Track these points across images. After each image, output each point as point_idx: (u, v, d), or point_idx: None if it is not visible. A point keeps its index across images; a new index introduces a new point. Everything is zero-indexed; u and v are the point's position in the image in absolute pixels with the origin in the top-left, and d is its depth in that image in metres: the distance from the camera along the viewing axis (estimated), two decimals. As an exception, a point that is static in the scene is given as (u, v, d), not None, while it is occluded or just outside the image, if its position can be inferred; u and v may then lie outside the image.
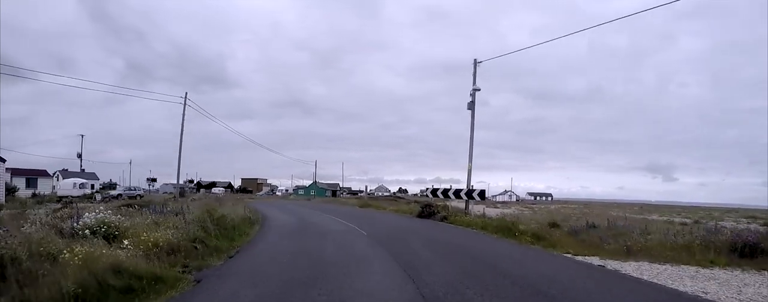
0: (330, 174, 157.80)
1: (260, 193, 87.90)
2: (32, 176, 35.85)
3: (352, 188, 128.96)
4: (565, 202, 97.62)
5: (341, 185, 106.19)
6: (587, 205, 72.73)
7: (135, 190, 45.38)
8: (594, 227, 13.96)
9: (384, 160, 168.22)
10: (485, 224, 15.28)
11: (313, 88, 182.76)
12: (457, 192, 19.64)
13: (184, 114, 33.58)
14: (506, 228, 13.58)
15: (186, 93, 33.03)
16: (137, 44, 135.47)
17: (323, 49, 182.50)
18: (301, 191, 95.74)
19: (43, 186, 36.84)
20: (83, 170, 76.48)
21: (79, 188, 42.76)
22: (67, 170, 70.97)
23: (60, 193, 42.23)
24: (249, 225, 14.11)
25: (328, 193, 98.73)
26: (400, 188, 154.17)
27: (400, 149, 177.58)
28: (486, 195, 18.58)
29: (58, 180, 73.89)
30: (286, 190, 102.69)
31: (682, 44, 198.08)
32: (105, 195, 44.57)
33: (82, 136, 62.32)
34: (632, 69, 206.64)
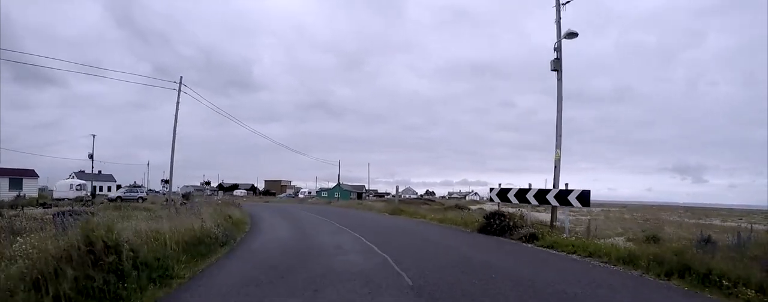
0: (356, 177, 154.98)
1: (281, 195, 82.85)
2: (16, 176, 31.48)
3: (379, 191, 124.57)
4: (601, 205, 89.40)
5: (367, 188, 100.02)
6: (629, 209, 65.45)
7: (136, 192, 40.57)
8: (707, 242, 8.21)
9: (410, 162, 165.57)
10: (607, 250, 8.59)
11: (338, 90, 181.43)
12: (541, 194, 12.81)
13: (178, 102, 28.06)
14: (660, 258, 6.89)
15: (181, 78, 27.49)
16: (164, 49, 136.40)
17: (348, 51, 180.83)
18: (324, 194, 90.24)
19: (29, 188, 32.40)
20: (100, 171, 73.71)
21: (76, 189, 38.46)
22: (83, 171, 68.20)
23: (56, 195, 38.24)
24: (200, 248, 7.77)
25: (353, 195, 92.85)
26: (428, 190, 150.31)
27: (427, 151, 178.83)
28: (590, 199, 11.66)
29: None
30: (309, 192, 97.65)
31: (711, 41, 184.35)
32: (108, 198, 40.30)
33: (94, 136, 58.61)
34: (661, 68, 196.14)
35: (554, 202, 12.55)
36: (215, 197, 34.23)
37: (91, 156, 59.08)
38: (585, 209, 14.25)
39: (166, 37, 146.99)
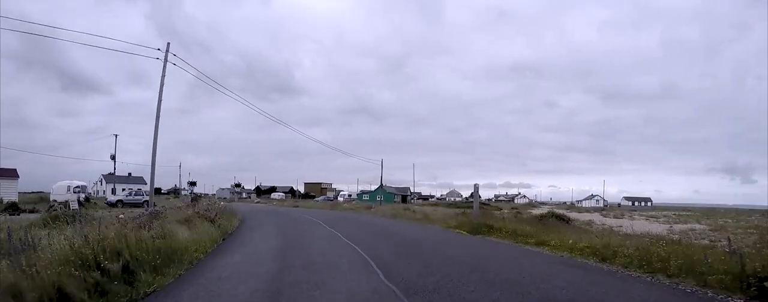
0: (398, 179, 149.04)
1: (318, 199, 75.69)
2: (-9, 176, 25.76)
3: (422, 193, 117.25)
4: (666, 208, 78.32)
5: (412, 190, 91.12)
6: (694, 212, 55.81)
7: (142, 195, 34.30)
8: None
9: (452, 165, 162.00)
10: None
11: (379, 93, 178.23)
12: None
13: (163, 74, 20.81)
14: None
15: (168, 44, 20.20)
16: (205, 56, 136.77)
17: (389, 54, 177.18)
18: (365, 197, 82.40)
19: (7, 189, 26.66)
20: (130, 174, 70.34)
21: (74, 192, 32.64)
22: (112, 174, 64.66)
23: (53, 198, 32.73)
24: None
25: (397, 198, 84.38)
26: (472, 193, 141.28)
27: (468, 153, 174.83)
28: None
29: (101, 184, 68.60)
30: (350, 195, 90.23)
31: (757, 34, 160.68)
32: (107, 202, 34.43)
33: (116, 136, 54.30)
34: (706, 63, 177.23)
35: None
36: (221, 202, 27.13)
37: (113, 157, 54.74)
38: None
39: (208, 44, 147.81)
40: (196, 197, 36.42)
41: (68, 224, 12.70)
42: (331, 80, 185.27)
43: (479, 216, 13.76)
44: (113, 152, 54.79)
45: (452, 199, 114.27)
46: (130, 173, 68.98)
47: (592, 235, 11.05)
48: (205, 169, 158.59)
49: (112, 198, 33.93)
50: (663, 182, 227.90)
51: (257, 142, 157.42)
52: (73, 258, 5.46)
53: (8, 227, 7.27)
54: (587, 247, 8.62)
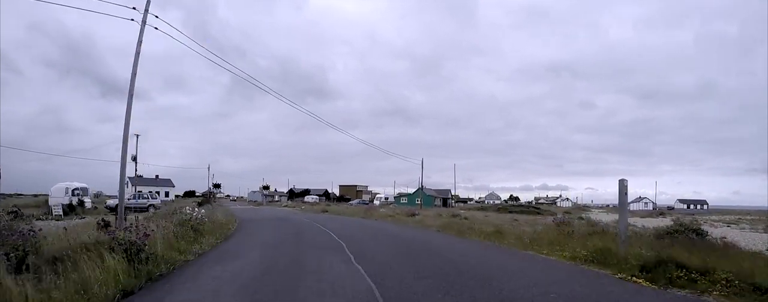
0: (435, 182, 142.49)
1: (353, 202, 70.02)
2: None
3: (460, 196, 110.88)
4: (723, 212, 70.56)
5: (453, 192, 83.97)
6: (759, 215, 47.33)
7: (146, 198, 29.77)
8: None
9: (488, 167, 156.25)
10: None
11: (414, 96, 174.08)
12: None
13: (140, 39, 15.50)
14: None
15: (148, 2, 14.82)
16: (241, 61, 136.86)
17: (422, 56, 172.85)
18: (403, 200, 76.19)
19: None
20: (157, 176, 67.72)
21: (73, 194, 28.60)
22: (141, 176, 62.21)
23: (51, 201, 28.93)
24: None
25: (438, 202, 77.74)
26: (511, 195, 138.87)
27: (505, 155, 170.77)
28: None
29: (127, 186, 66.28)
30: (386, 198, 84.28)
31: None
32: (107, 205, 30.23)
33: (137, 136, 51.04)
34: (744, 61, 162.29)
35: None
36: (233, 204, 21.98)
37: (134, 158, 51.56)
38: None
39: (243, 49, 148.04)
40: (205, 200, 31.53)
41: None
42: (364, 82, 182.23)
43: (646, 244, 7.06)
44: (135, 153, 51.69)
45: (492, 202, 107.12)
46: (157, 176, 66.45)
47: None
48: (240, 172, 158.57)
49: (111, 202, 29.55)
50: (702, 184, 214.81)
51: (293, 145, 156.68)
52: None
53: None
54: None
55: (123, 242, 6.41)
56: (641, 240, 8.34)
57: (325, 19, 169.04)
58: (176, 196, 67.40)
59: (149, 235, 6.94)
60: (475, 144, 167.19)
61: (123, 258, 6.06)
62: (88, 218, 19.91)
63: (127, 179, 54.83)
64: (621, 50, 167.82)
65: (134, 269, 5.99)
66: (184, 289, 5.50)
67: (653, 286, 5.78)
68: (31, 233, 6.35)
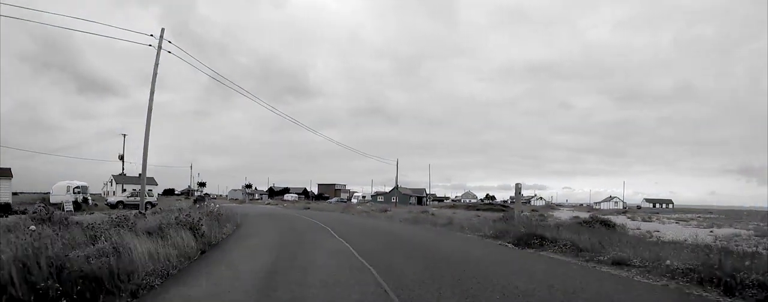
0: (413, 181, 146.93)
1: (331, 200, 73.45)
2: (-16, 176, 24.17)
3: (437, 195, 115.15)
4: (686, 210, 76.60)
5: (428, 191, 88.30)
6: (718, 214, 52.47)
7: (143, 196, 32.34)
8: None
9: (467, 166, 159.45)
10: None
11: (394, 95, 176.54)
12: None
13: (157, 62, 18.76)
14: None
15: (162, 30, 18.24)
16: (221, 59, 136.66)
17: (403, 56, 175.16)
18: (380, 199, 80.00)
19: (2, 189, 25.03)
20: (140, 174, 69.41)
21: (74, 192, 31.05)
22: (124, 174, 63.77)
23: (53, 199, 31.22)
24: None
25: (413, 200, 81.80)
26: (488, 194, 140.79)
27: (482, 154, 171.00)
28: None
29: (111, 185, 67.64)
30: (364, 197, 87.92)
31: None
32: (107, 203, 32.76)
33: (124, 136, 53.19)
34: (723, 63, 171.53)
35: None
36: (213, 204, 25.18)
37: (121, 157, 53.69)
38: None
39: (223, 46, 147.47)
40: (200, 198, 34.48)
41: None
42: (344, 81, 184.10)
43: (527, 224, 11.07)
44: (122, 153, 53.73)
45: (468, 200, 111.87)
46: (140, 174, 68.13)
47: (667, 247, 8.35)
48: (220, 170, 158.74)
49: (112, 199, 32.18)
50: (678, 184, 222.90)
51: (271, 143, 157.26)
52: None
53: None
54: (690, 270, 5.94)
55: (186, 223, 9.89)
56: (542, 226, 12.30)
57: (306, 18, 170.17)
58: (157, 194, 69.03)
59: (201, 220, 10.43)
60: (455, 144, 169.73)
61: (189, 233, 9.55)
62: (97, 214, 22.77)
63: (112, 177, 57.03)
64: (600, 52, 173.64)
65: (197, 239, 9.48)
66: (234, 250, 9.07)
67: (516, 247, 9.74)
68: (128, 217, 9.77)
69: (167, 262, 6.94)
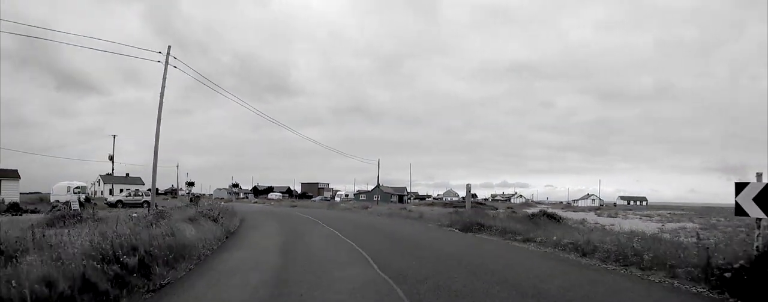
0: (395, 179, 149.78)
1: (315, 199, 76.14)
2: (-8, 177, 26.12)
3: (419, 193, 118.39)
4: (661, 207, 78.57)
5: (408, 190, 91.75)
6: (689, 211, 55.45)
7: (139, 196, 34.68)
8: None
9: (449, 164, 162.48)
10: None
11: (375, 94, 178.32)
12: None
13: (164, 77, 21.24)
14: None
15: (169, 47, 20.71)
16: (202, 56, 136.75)
17: (384, 54, 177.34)
18: (362, 197, 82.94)
19: (9, 190, 27.01)
20: (127, 174, 70.48)
21: (74, 192, 33.00)
22: (110, 174, 64.94)
23: (53, 198, 33.10)
24: None
25: (394, 198, 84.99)
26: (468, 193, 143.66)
27: (465, 152, 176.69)
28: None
29: (99, 185, 68.71)
30: (347, 195, 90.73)
31: (751, 33, 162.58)
32: (107, 202, 34.76)
33: (114, 136, 54.71)
34: (702, 63, 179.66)
35: None
36: (221, 202, 27.63)
37: (111, 158, 55.15)
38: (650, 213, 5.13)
39: (205, 44, 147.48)
40: (195, 198, 36.87)
41: (75, 223, 13.21)
42: (326, 79, 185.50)
43: (471, 215, 14.33)
44: (111, 153, 55.23)
45: (449, 199, 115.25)
46: (127, 174, 69.14)
47: (576, 232, 11.62)
48: (202, 169, 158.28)
49: (111, 199, 34.27)
50: (659, 182, 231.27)
51: (254, 142, 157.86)
52: (93, 253, 5.98)
53: (31, 225, 7.73)
54: (570, 243, 9.19)
55: (210, 216, 12.74)
56: (485, 217, 15.55)
57: (288, 16, 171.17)
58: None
59: (220, 214, 13.30)
60: (437, 142, 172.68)
61: (212, 223, 12.40)
62: (101, 213, 25.05)
63: (99, 177, 58.79)
64: (582, 51, 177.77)
65: (220, 228, 12.35)
66: (250, 234, 11.97)
67: (461, 232, 12.96)
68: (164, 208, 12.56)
69: (208, 241, 9.83)
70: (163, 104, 20.48)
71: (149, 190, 43.59)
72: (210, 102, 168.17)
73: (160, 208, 23.12)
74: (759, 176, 6.43)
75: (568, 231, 12.47)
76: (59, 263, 5.35)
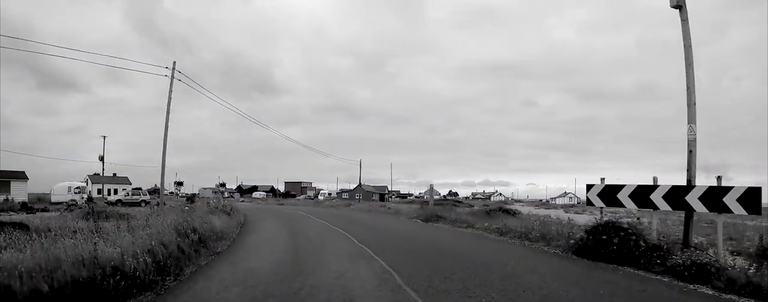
0: (378, 178, 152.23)
1: (300, 197, 78.99)
2: (2, 178, 28.28)
3: (401, 192, 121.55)
4: None
5: (389, 189, 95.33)
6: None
7: (138, 195, 37.12)
8: None
9: (431, 163, 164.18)
10: None
11: (358, 92, 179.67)
12: (675, 194, 7.85)
13: (171, 90, 24.08)
14: None
15: (174, 63, 23.52)
16: (185, 54, 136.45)
17: (368, 53, 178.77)
18: (345, 196, 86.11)
19: (18, 191, 29.22)
20: (114, 174, 71.82)
21: (74, 192, 35.28)
22: (97, 174, 66.16)
23: (54, 198, 35.25)
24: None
25: (375, 197, 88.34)
26: (450, 191, 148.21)
27: (448, 151, 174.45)
28: (761, 202, 6.76)
29: (87, 185, 69.81)
30: (329, 194, 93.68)
31: (734, 35, 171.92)
32: (107, 201, 37.05)
33: (104, 138, 56.03)
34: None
35: (700, 206, 7.59)
36: (217, 199, 30.38)
37: (101, 158, 56.61)
38: (725, 215, 8.97)
39: (188, 42, 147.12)
40: (192, 197, 39.49)
41: (105, 217, 16.10)
42: (309, 78, 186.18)
43: (433, 209, 17.91)
44: (102, 154, 56.74)
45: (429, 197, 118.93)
46: (114, 174, 70.52)
47: (514, 221, 15.29)
48: (186, 168, 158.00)
49: (111, 198, 36.59)
50: (640, 180, 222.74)
51: (237, 141, 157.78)
52: (172, 231, 9.20)
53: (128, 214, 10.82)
54: (496, 228, 12.84)
55: (223, 210, 15.91)
56: (445, 211, 19.19)
57: (271, 14, 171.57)
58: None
59: (232, 208, 16.48)
60: (420, 141, 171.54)
61: (226, 215, 15.59)
62: (122, 210, 27.59)
63: (87, 177, 60.53)
64: (564, 52, 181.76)
65: (233, 219, 15.54)
66: (259, 224, 15.20)
67: (423, 222, 16.52)
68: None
69: (231, 228, 13.05)
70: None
71: (149, 190, 45.87)
72: (193, 101, 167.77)
73: (166, 206, 25.83)
74: (602, 180, 9.92)
75: (510, 220, 16.15)
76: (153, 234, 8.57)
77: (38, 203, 33.00)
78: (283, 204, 45.55)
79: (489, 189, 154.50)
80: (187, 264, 7.40)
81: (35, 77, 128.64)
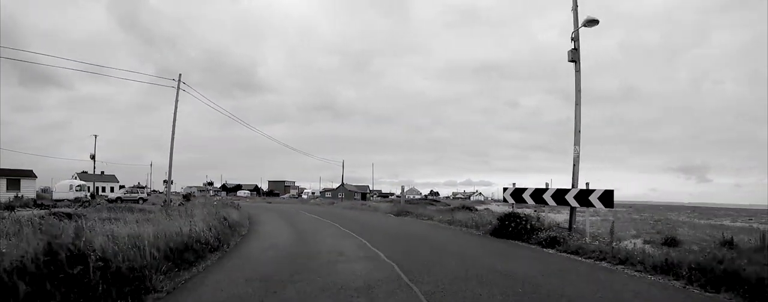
0: (360, 177, 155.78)
1: (284, 196, 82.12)
2: (14, 177, 30.85)
3: (383, 191, 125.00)
4: (618, 205, 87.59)
5: (371, 188, 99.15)
6: (636, 208, 63.28)
7: (137, 192, 39.87)
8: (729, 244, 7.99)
9: (415, 162, 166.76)
10: (640, 257, 7.77)
11: (344, 91, 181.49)
12: (560, 194, 11.89)
13: (176, 100, 27.27)
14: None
15: (179, 75, 26.72)
16: (169, 51, 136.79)
17: (354, 52, 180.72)
18: (328, 195, 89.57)
19: (27, 188, 31.78)
20: (102, 172, 73.41)
21: (76, 190, 37.81)
22: (86, 172, 67.90)
23: (56, 196, 37.64)
24: None
25: (358, 196, 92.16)
26: (432, 190, 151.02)
27: (431, 151, 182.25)
28: (613, 199, 10.90)
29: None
30: (313, 193, 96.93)
31: (716, 39, 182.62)
32: (107, 199, 39.66)
33: (95, 136, 58.11)
34: (666, 67, 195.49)
35: (574, 203, 11.64)
36: (216, 198, 33.53)
37: (92, 157, 58.59)
38: (591, 209, 13.17)
39: (172, 39, 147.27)
40: (188, 196, 42.42)
41: (121, 211, 19.36)
42: (294, 77, 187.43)
43: (403, 206, 21.84)
44: (92, 153, 58.74)
45: (412, 196, 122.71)
46: (102, 172, 72.19)
47: (469, 215, 19.36)
48: (167, 166, 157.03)
49: (111, 195, 39.22)
50: (621, 181, 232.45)
51: (221, 140, 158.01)
52: (213, 218, 12.80)
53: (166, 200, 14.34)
54: (447, 220, 16.82)
55: (231, 205, 19.45)
56: (414, 207, 23.13)
57: (258, 12, 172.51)
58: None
59: (238, 203, 20.02)
60: (403, 140, 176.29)
61: (235, 210, 19.13)
62: (146, 205, 30.50)
63: (75, 175, 62.98)
64: (549, 53, 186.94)
65: (242, 213, 19.10)
66: (264, 217, 18.79)
67: (395, 216, 20.46)
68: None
69: (243, 220, 16.62)
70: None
71: (152, 190, 48.29)
72: (172, 97, 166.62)
73: (172, 203, 28.81)
74: (514, 184, 13.88)
75: (460, 215, 20.17)
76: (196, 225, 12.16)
77: (38, 201, 35.41)
78: (270, 203, 48.86)
79: (470, 189, 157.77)
80: (230, 239, 11.05)
81: (17, 74, 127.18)
